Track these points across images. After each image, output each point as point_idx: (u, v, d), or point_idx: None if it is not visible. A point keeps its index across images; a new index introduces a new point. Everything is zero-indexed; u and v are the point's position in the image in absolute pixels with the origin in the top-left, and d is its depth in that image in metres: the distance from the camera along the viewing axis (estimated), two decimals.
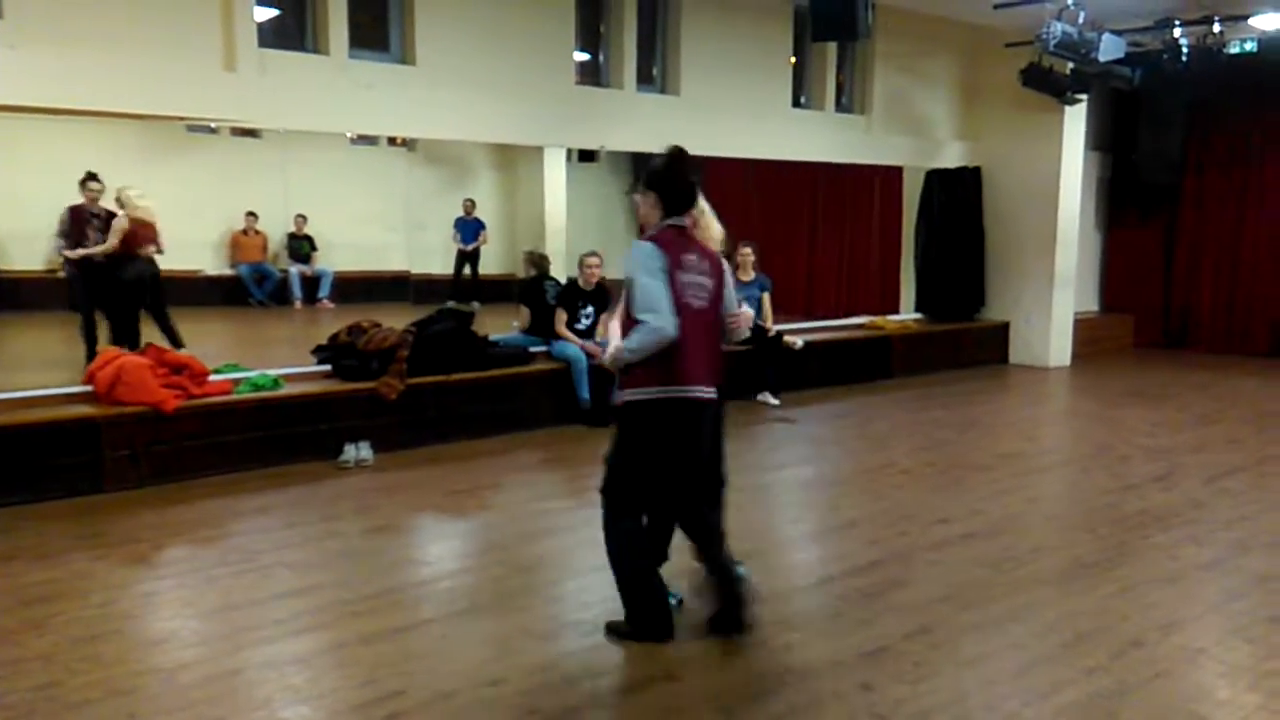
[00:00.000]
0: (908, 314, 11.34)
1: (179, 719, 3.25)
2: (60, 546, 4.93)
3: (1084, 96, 10.28)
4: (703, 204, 3.97)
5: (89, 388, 6.14)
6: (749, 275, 9.02)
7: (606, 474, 3.85)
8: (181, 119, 8.18)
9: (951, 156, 11.08)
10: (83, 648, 3.78)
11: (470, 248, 15.05)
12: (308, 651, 3.76)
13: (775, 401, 8.65)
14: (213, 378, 6.45)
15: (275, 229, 14.29)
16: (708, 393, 3.75)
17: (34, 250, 11.80)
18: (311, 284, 14.27)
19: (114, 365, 6.08)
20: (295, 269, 14.28)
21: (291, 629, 3.92)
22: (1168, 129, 11.38)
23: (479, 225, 14.97)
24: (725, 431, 4.17)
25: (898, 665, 3.70)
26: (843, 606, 4.25)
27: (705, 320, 3.75)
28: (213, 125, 12.70)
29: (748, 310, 4.00)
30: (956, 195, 10.98)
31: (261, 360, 7.23)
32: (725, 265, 3.90)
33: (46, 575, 4.53)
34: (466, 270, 15.10)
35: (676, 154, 3.76)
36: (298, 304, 13.95)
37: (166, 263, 8.38)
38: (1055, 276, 10.93)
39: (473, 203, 14.87)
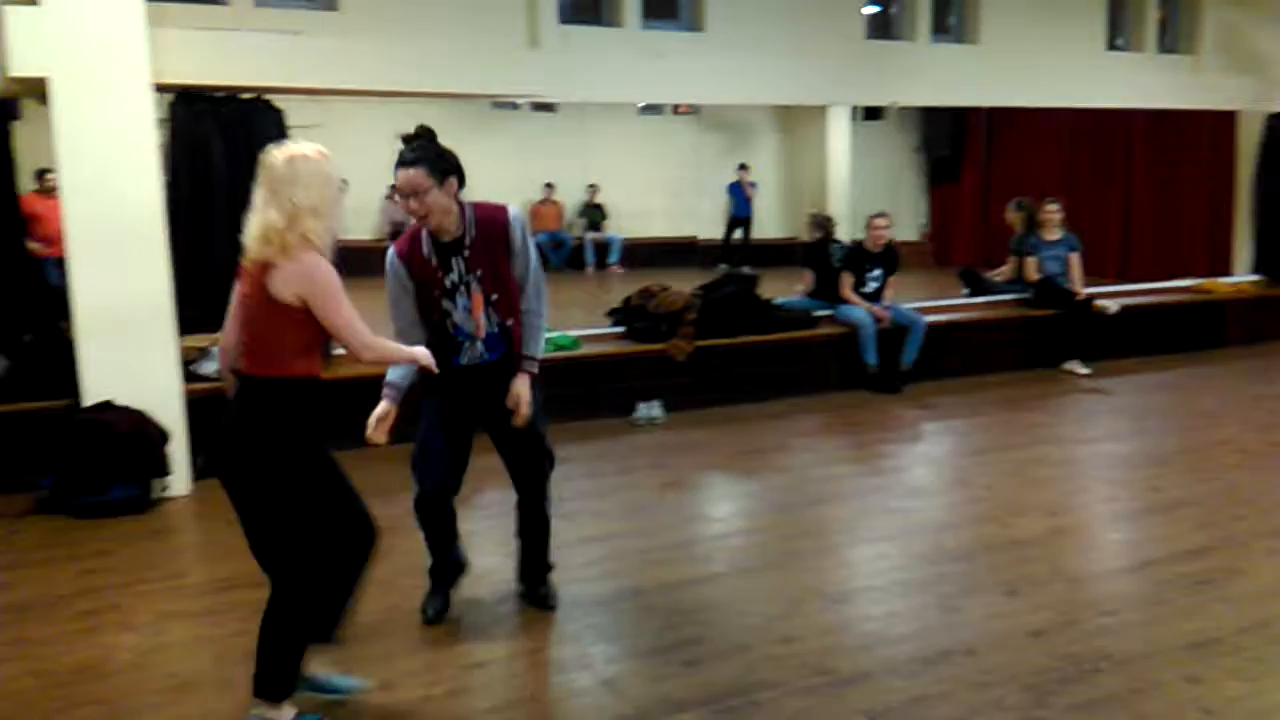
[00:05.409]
0: (1243, 275, 10.13)
1: (498, 648, 3.55)
2: (394, 486, 5.46)
3: None
4: None
5: None
6: (1055, 234, 8.42)
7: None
8: (491, 96, 8.74)
9: None
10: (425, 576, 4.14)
11: (744, 216, 15.21)
12: (611, 594, 3.96)
13: (1085, 371, 8.03)
14: None
15: (569, 198, 15.03)
16: None
17: (361, 222, 13.26)
18: (602, 250, 14.89)
19: None
20: (588, 236, 14.95)
21: (596, 572, 4.15)
22: None
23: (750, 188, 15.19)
24: None
25: (1231, 660, 3.35)
26: (1166, 593, 3.91)
27: None
28: (516, 101, 13.55)
29: None
30: None
31: (560, 322, 7.65)
32: None
33: (387, 511, 5.04)
34: (737, 234, 15.23)
35: (432, 133, 3.36)
36: (589, 269, 14.62)
37: None
38: None
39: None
